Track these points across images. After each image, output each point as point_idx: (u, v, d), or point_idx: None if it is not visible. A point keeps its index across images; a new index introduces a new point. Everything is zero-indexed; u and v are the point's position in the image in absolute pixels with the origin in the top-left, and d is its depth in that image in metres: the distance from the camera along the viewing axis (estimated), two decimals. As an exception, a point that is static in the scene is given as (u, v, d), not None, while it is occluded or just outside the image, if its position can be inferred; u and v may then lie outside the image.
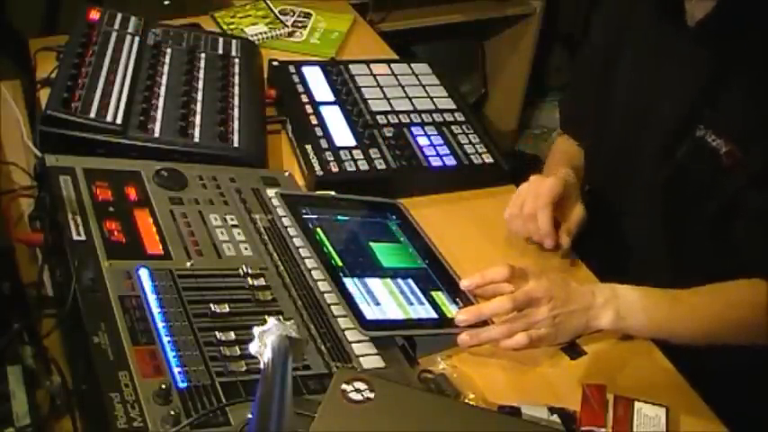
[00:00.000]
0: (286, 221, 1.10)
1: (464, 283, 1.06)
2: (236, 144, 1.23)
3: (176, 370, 0.82)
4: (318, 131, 1.31)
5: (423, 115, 1.40)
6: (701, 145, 1.07)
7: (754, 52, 1.04)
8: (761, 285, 1.01)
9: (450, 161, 1.30)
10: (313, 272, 1.03)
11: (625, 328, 1.01)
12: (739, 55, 1.05)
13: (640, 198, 1.19)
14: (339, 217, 1.15)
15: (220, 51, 1.45)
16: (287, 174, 1.23)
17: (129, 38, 1.38)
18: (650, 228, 1.19)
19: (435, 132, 1.36)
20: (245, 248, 1.04)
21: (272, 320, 0.73)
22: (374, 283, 1.04)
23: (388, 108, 1.40)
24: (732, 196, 1.06)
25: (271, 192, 1.16)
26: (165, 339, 0.85)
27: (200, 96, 1.30)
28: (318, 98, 1.40)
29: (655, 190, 1.15)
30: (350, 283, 1.01)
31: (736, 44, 1.05)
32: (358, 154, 1.27)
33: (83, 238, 0.95)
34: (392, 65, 1.54)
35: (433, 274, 1.10)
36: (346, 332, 0.95)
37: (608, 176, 1.26)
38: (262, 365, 0.70)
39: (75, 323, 0.85)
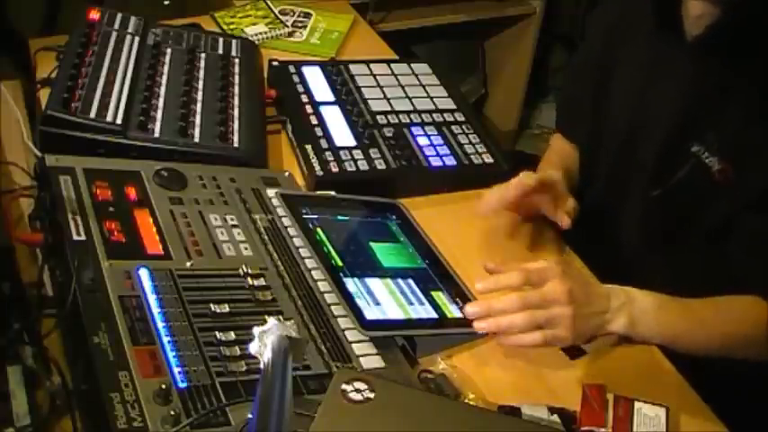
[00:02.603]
0: (286, 221, 1.10)
1: (478, 287, 1.02)
2: (236, 144, 1.23)
3: (176, 370, 0.82)
4: (318, 131, 1.31)
5: (423, 115, 1.40)
6: (694, 161, 1.07)
7: (751, 71, 1.03)
8: (761, 304, 1.02)
9: (451, 161, 1.30)
10: (313, 272, 1.03)
11: (635, 334, 1.00)
12: (736, 73, 1.04)
13: (636, 208, 1.19)
14: (339, 217, 1.15)
15: (220, 51, 1.45)
16: (287, 174, 1.23)
17: (129, 38, 1.38)
18: (647, 236, 1.19)
19: (435, 132, 1.36)
20: (245, 248, 1.04)
21: (272, 320, 0.73)
22: (374, 282, 1.04)
23: (388, 108, 1.40)
24: (726, 214, 1.06)
25: (271, 192, 1.15)
26: (165, 339, 0.85)
27: (200, 96, 1.30)
28: (318, 98, 1.40)
29: (649, 202, 1.15)
30: (350, 282, 1.01)
31: (733, 62, 1.04)
32: (358, 154, 1.27)
33: (83, 238, 0.95)
34: (392, 65, 1.54)
35: (433, 274, 1.10)
36: (346, 332, 0.95)
37: (605, 185, 1.26)
38: (262, 365, 0.70)
39: (75, 323, 0.85)
